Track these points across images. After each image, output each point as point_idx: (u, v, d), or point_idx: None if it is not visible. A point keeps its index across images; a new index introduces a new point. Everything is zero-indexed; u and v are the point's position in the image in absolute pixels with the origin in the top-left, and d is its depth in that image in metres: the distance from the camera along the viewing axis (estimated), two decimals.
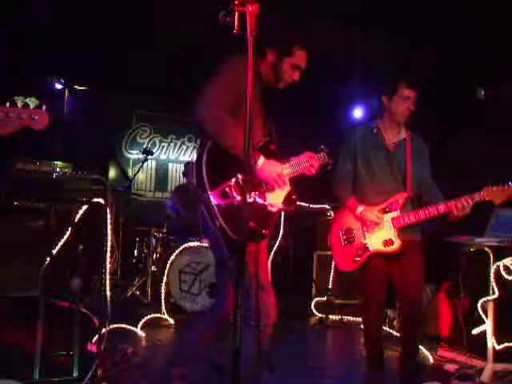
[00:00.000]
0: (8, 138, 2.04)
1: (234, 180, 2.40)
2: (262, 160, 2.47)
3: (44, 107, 2.07)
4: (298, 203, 6.60)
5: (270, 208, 2.56)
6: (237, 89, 2.36)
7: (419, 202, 3.16)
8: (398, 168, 3.19)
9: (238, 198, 2.36)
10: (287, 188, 2.66)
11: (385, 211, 3.14)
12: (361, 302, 3.38)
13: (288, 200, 2.67)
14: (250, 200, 2.26)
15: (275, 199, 2.59)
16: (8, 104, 2.01)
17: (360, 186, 3.26)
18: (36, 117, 2.04)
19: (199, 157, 2.39)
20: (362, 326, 3.45)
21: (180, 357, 2.76)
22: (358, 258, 3.19)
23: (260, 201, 2.50)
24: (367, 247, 3.17)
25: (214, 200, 2.33)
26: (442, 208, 3.01)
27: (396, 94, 3.16)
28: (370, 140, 3.26)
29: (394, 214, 3.12)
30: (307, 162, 2.76)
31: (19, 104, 2.03)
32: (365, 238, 3.19)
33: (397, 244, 3.09)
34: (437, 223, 3.22)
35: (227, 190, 2.37)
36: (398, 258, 3.14)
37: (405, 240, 3.10)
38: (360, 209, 3.17)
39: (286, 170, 2.66)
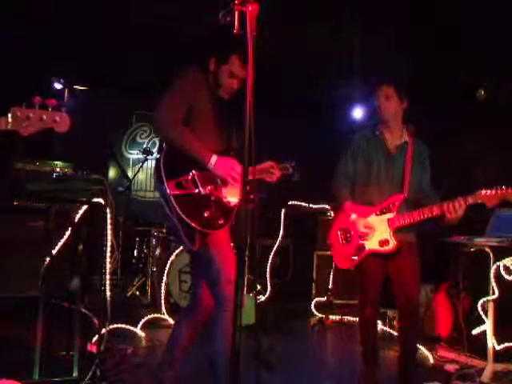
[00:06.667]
0: (8, 138, 2.02)
1: (190, 175, 2.57)
2: (214, 158, 2.58)
3: (64, 109, 2.05)
4: (298, 203, 6.58)
5: (225, 201, 2.69)
6: (190, 99, 2.60)
7: (417, 205, 3.17)
8: (396, 171, 3.26)
9: (196, 190, 2.56)
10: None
11: (382, 212, 3.21)
12: (357, 301, 3.45)
13: (246, 198, 2.87)
14: (204, 192, 2.58)
15: (233, 194, 2.70)
16: (24, 105, 1.97)
17: (360, 187, 3.34)
18: (58, 119, 2.01)
19: (159, 154, 2.57)
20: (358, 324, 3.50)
21: (168, 358, 2.80)
22: (355, 257, 3.28)
23: (216, 194, 2.66)
24: (364, 247, 3.24)
25: (169, 190, 2.48)
26: (435, 210, 3.04)
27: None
28: (372, 142, 3.32)
29: (390, 215, 3.19)
30: (269, 170, 2.90)
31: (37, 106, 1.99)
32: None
33: (392, 244, 3.16)
34: (438, 224, 3.23)
35: (183, 182, 2.54)
36: (394, 258, 3.20)
37: (400, 240, 3.17)
38: (352, 217, 3.25)
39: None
